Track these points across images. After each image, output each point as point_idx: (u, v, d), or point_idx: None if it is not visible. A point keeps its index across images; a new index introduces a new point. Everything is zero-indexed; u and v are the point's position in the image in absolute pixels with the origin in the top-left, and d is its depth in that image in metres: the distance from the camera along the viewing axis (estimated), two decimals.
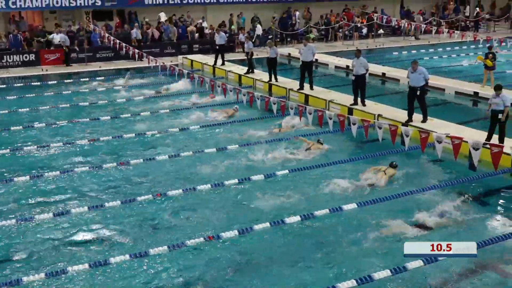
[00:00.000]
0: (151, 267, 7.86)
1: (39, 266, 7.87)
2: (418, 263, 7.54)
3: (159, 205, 9.86)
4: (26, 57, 23.49)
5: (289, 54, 25.70)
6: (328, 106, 16.08)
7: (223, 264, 7.95)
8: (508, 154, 10.45)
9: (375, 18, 31.37)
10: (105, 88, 19.82)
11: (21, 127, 14.62)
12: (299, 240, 8.65)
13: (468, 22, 34.88)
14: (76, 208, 9.62)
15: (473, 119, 15.14)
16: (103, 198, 10.13)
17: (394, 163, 10.93)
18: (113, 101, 17.88)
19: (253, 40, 24.74)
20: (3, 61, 23.10)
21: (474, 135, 11.73)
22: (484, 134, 11.98)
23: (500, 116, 11.63)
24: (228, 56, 24.09)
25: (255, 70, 20.97)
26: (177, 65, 21.79)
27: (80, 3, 25.11)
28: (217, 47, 22.51)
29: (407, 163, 11.38)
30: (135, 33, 24.72)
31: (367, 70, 15.29)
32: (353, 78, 15.34)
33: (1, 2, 23.71)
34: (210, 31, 27.47)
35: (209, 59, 23.69)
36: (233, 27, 28.40)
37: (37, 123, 15.04)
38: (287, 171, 11.22)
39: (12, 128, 14.52)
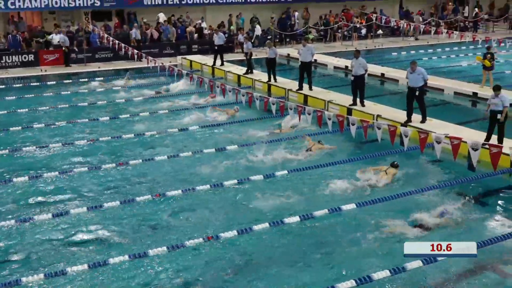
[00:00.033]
0: (150, 267, 7.86)
1: (38, 267, 7.86)
2: (417, 263, 7.54)
3: (158, 205, 9.85)
4: (25, 58, 23.47)
5: (288, 54, 25.69)
6: (327, 106, 16.09)
7: (223, 265, 7.95)
8: (507, 155, 10.45)
9: (374, 18, 31.38)
10: (104, 88, 19.82)
11: (20, 127, 14.61)
12: (299, 241, 8.65)
13: (467, 22, 34.91)
14: (75, 208, 9.62)
15: (472, 120, 15.15)
16: (102, 199, 10.13)
17: (396, 162, 10.94)
18: (112, 101, 17.87)
19: (252, 41, 24.74)
20: (2, 61, 23.08)
21: (473, 136, 11.73)
22: (483, 135, 11.98)
23: (499, 116, 11.64)
24: (227, 56, 24.10)
25: (254, 71, 20.97)
26: (176, 65, 21.77)
27: (79, 4, 25.11)
28: (216, 47, 22.49)
29: (406, 164, 11.38)
30: (134, 33, 24.73)
31: (366, 70, 15.29)
32: (352, 78, 15.34)
33: (0, 3, 23.68)
34: (209, 31, 27.47)
35: (208, 59, 23.68)
36: (232, 27, 28.40)
37: (36, 123, 15.03)
38: (286, 171, 11.22)
39: (11, 128, 14.50)
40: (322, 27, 30.75)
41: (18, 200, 10.10)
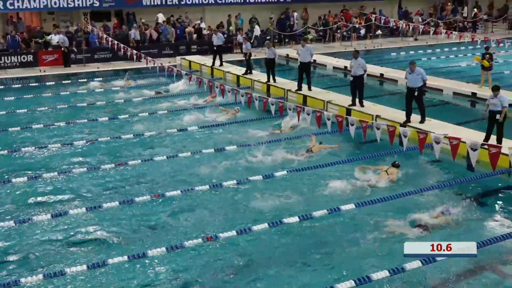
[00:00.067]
0: (149, 268, 7.85)
1: (37, 267, 7.85)
2: (417, 263, 7.54)
3: (158, 206, 9.84)
4: (24, 58, 23.44)
5: (287, 55, 25.69)
6: (326, 106, 16.09)
7: (222, 265, 7.94)
8: (506, 155, 10.44)
9: (373, 19, 31.39)
10: (104, 89, 19.80)
11: (19, 128, 14.58)
12: (298, 241, 8.64)
13: (466, 23, 34.92)
14: (74, 209, 9.60)
15: (471, 120, 15.15)
16: (101, 199, 10.11)
17: (397, 162, 10.93)
18: (112, 102, 17.86)
19: (251, 41, 24.70)
20: (1, 62, 23.05)
21: (472, 136, 11.72)
22: (482, 135, 11.99)
23: (498, 116, 11.65)
24: (226, 57, 24.09)
25: (253, 71, 20.97)
26: (175, 66, 21.77)
27: (78, 4, 25.09)
28: (215, 48, 22.47)
29: (405, 164, 11.37)
30: (134, 34, 24.72)
31: (365, 71, 15.30)
32: (351, 79, 15.34)
33: None
34: (208, 32, 27.46)
35: (207, 60, 23.68)
36: (231, 28, 28.40)
37: (35, 124, 15.01)
38: (285, 171, 11.22)
39: (10, 129, 14.47)
40: (321, 28, 30.75)
41: (17, 201, 10.09)
